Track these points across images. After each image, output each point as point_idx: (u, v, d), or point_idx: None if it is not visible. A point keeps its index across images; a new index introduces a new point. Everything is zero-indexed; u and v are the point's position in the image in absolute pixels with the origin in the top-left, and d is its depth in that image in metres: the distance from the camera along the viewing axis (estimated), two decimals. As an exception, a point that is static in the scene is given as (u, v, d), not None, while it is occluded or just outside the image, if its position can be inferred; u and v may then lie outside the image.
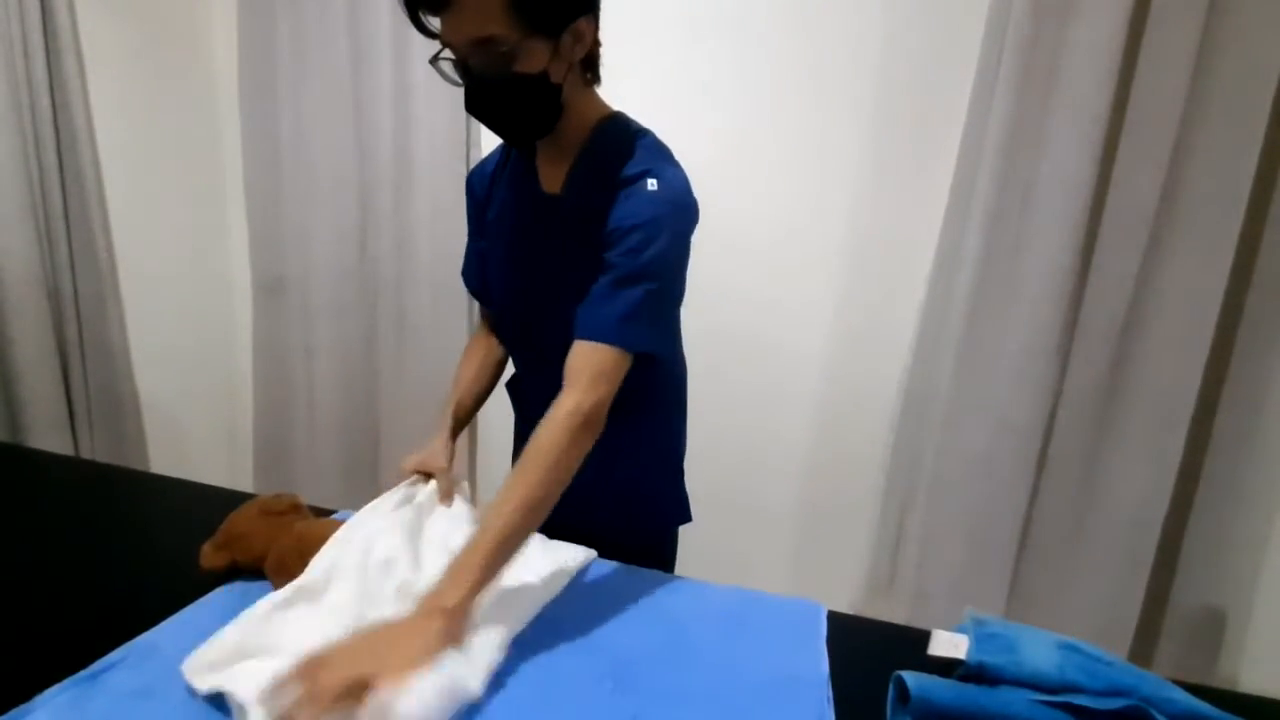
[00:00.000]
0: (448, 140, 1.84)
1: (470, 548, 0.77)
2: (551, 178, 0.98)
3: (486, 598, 0.77)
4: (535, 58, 0.83)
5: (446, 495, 1.04)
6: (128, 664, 0.75)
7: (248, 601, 0.81)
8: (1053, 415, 1.56)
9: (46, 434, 1.63)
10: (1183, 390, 1.46)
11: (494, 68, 0.83)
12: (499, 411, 2.07)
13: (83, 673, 0.72)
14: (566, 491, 0.85)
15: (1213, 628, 1.55)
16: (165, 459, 1.94)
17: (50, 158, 1.59)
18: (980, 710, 0.69)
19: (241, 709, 0.66)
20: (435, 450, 1.10)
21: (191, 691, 0.70)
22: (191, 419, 2.12)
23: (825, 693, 0.78)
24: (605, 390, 0.87)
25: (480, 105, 0.88)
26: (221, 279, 2.15)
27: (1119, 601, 1.56)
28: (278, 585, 0.83)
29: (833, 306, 1.74)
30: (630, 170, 0.91)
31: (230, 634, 0.74)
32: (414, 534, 0.92)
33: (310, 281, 2.01)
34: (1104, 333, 1.49)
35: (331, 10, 1.83)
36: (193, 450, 2.11)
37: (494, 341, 1.17)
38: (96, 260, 1.70)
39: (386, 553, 0.86)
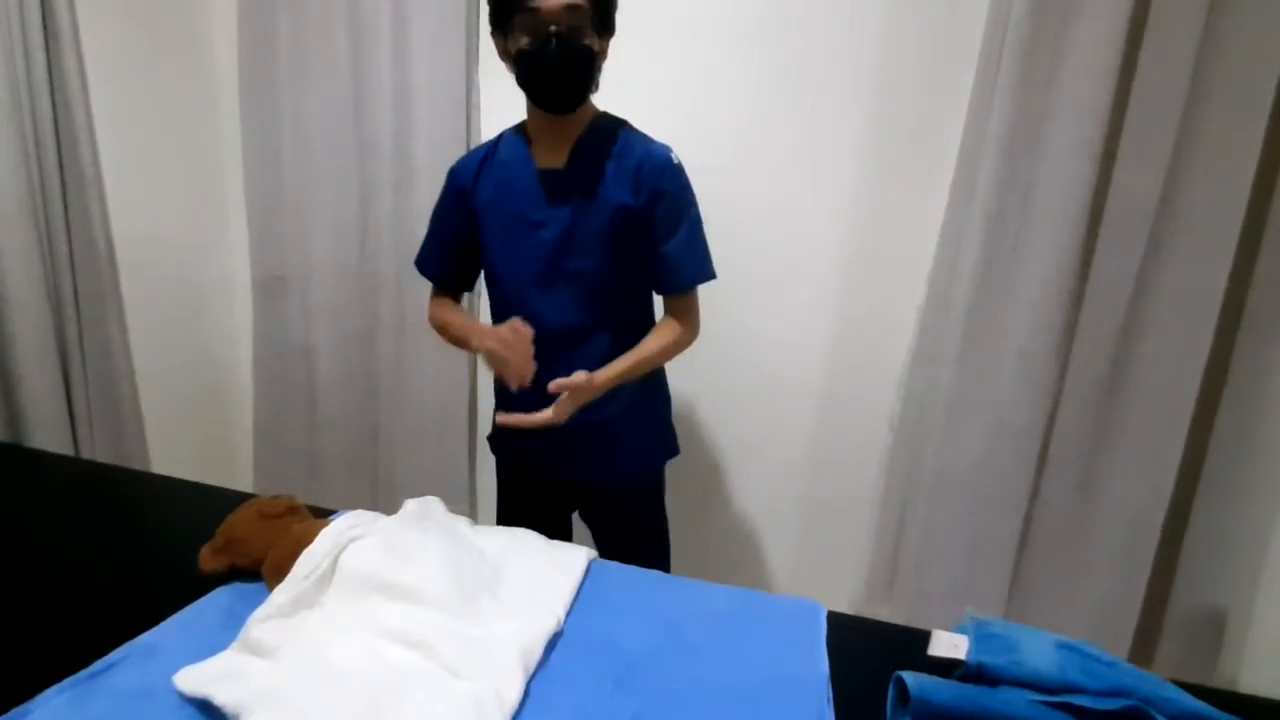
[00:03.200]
0: (448, 140, 1.84)
1: (617, 360, 1.17)
2: (550, 156, 1.19)
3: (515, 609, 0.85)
4: (594, 41, 1.10)
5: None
6: (128, 664, 0.75)
7: (246, 602, 0.81)
8: (1053, 415, 1.55)
9: (46, 434, 1.63)
10: (1183, 390, 1.46)
11: (576, 31, 1.07)
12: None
13: (83, 673, 0.73)
14: (593, 433, 1.21)
15: (1213, 628, 1.55)
16: (165, 459, 1.94)
17: (50, 158, 1.58)
18: (980, 710, 0.69)
19: (236, 715, 0.67)
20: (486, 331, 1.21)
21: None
22: (191, 419, 2.12)
23: (825, 693, 0.78)
24: (698, 318, 1.26)
25: (550, 64, 1.08)
26: (221, 279, 2.15)
27: (1119, 601, 1.56)
28: (274, 587, 0.83)
29: (833, 306, 1.74)
30: (640, 147, 1.18)
31: (225, 656, 0.74)
32: (394, 541, 0.91)
33: (310, 281, 2.01)
34: (1104, 333, 1.49)
35: (331, 10, 1.83)
36: (193, 450, 2.10)
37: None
38: (96, 260, 1.70)
39: (369, 557, 0.86)
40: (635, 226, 1.17)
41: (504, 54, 1.15)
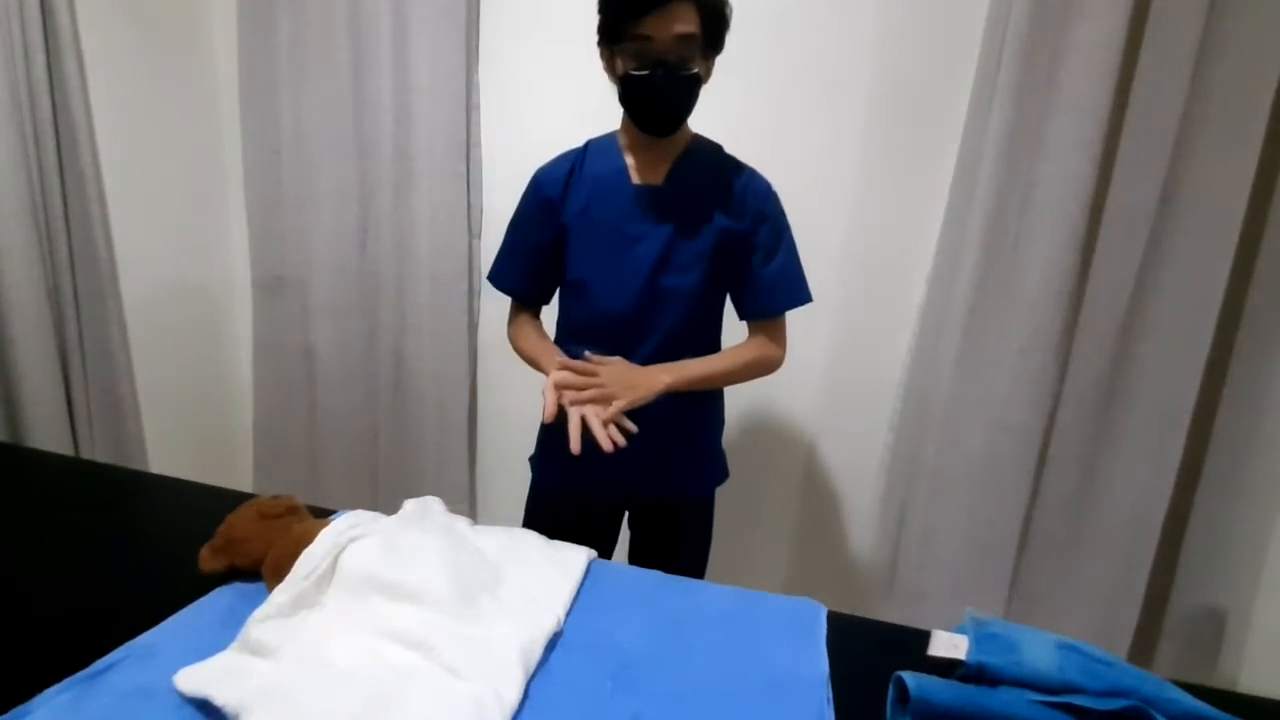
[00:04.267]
0: (448, 140, 1.84)
1: (691, 362, 1.17)
2: (649, 173, 1.19)
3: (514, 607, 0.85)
4: (702, 65, 1.11)
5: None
6: (128, 664, 0.75)
7: (246, 602, 0.81)
8: (1053, 415, 1.56)
9: (46, 434, 1.62)
10: (1183, 390, 1.46)
11: (682, 61, 1.06)
12: (500, 405, 2.07)
13: (83, 673, 0.72)
14: (652, 450, 1.13)
15: (1213, 628, 1.55)
16: (165, 459, 1.94)
17: (50, 158, 1.58)
18: (980, 711, 0.69)
19: (236, 715, 0.67)
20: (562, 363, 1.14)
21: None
22: (191, 419, 2.12)
23: (825, 693, 0.78)
24: (786, 343, 1.28)
25: (656, 92, 1.09)
26: (221, 279, 2.15)
27: (1119, 601, 1.56)
28: (273, 587, 0.83)
29: (833, 306, 1.74)
30: (742, 171, 1.22)
31: (225, 656, 0.74)
32: (394, 541, 0.91)
33: (310, 281, 2.01)
34: (1104, 333, 1.49)
35: (331, 11, 1.83)
36: (193, 450, 2.10)
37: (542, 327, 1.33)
38: (96, 260, 1.70)
39: (369, 557, 0.86)
40: (736, 248, 1.19)
41: (609, 68, 1.14)
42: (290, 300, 2.05)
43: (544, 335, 1.28)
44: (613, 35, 1.08)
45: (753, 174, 1.22)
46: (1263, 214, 1.40)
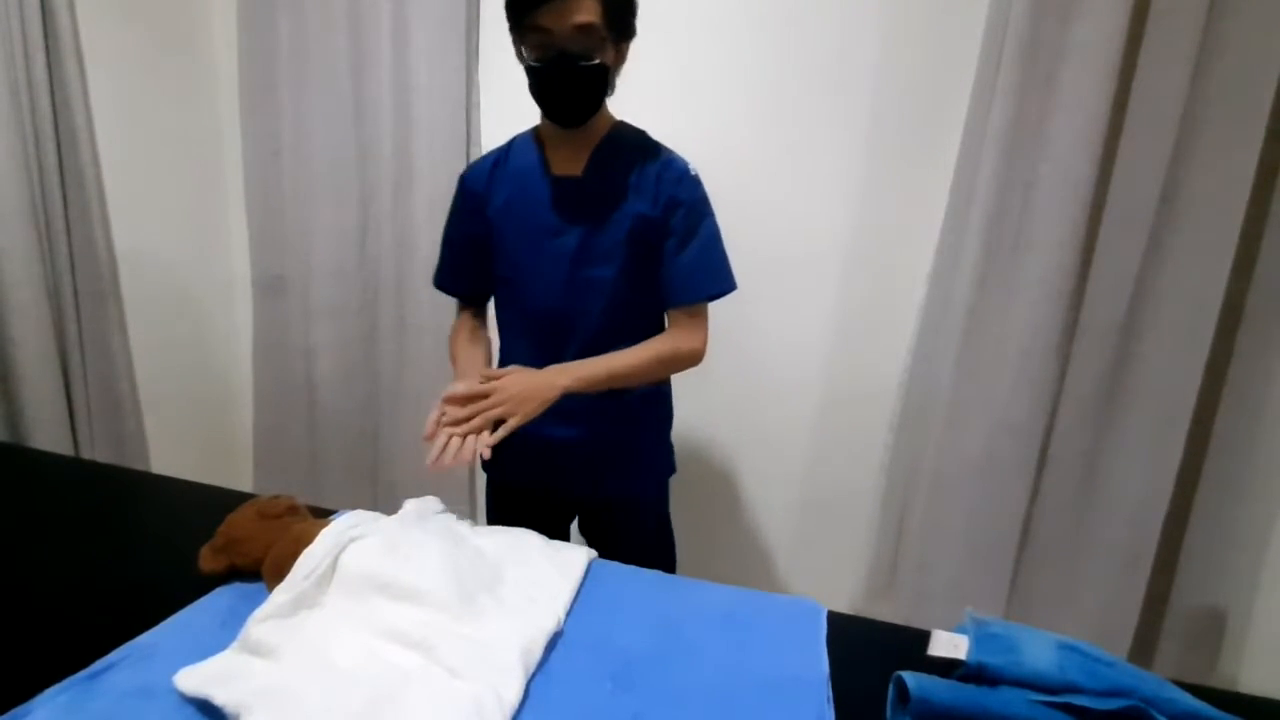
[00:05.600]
0: (448, 140, 1.84)
1: (593, 360, 1.13)
2: (567, 164, 1.17)
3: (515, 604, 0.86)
4: (607, 53, 1.07)
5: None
6: (127, 664, 0.75)
7: (246, 602, 0.81)
8: (1053, 415, 1.55)
9: (46, 434, 1.63)
10: (1183, 390, 1.46)
11: (584, 52, 1.03)
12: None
13: (83, 673, 0.72)
14: (591, 452, 1.22)
15: (1213, 628, 1.55)
16: (165, 459, 1.94)
17: (50, 158, 1.58)
18: (980, 711, 0.69)
19: (236, 715, 0.67)
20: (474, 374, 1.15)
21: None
22: (191, 419, 2.12)
23: (825, 693, 0.78)
24: (706, 336, 1.21)
25: (558, 83, 1.07)
26: (221, 279, 2.15)
27: (1119, 601, 1.56)
28: (273, 588, 0.83)
29: (832, 306, 1.74)
30: (659, 157, 1.17)
31: (225, 656, 0.74)
32: (394, 541, 0.91)
33: (310, 281, 2.01)
34: (1104, 333, 1.49)
35: (331, 10, 1.83)
36: (193, 450, 2.10)
37: (482, 330, 1.32)
38: (96, 260, 1.70)
39: (369, 557, 0.86)
40: (653, 236, 1.16)
41: (519, 57, 1.11)
42: (290, 300, 2.05)
43: (475, 339, 1.27)
44: (515, 25, 1.06)
45: (671, 159, 1.18)
46: (1263, 214, 1.40)
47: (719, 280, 1.19)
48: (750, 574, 1.93)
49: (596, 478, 1.26)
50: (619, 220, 1.14)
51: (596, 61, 1.05)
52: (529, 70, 1.08)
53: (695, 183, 1.17)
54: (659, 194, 1.15)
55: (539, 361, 1.13)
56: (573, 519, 1.39)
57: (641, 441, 1.30)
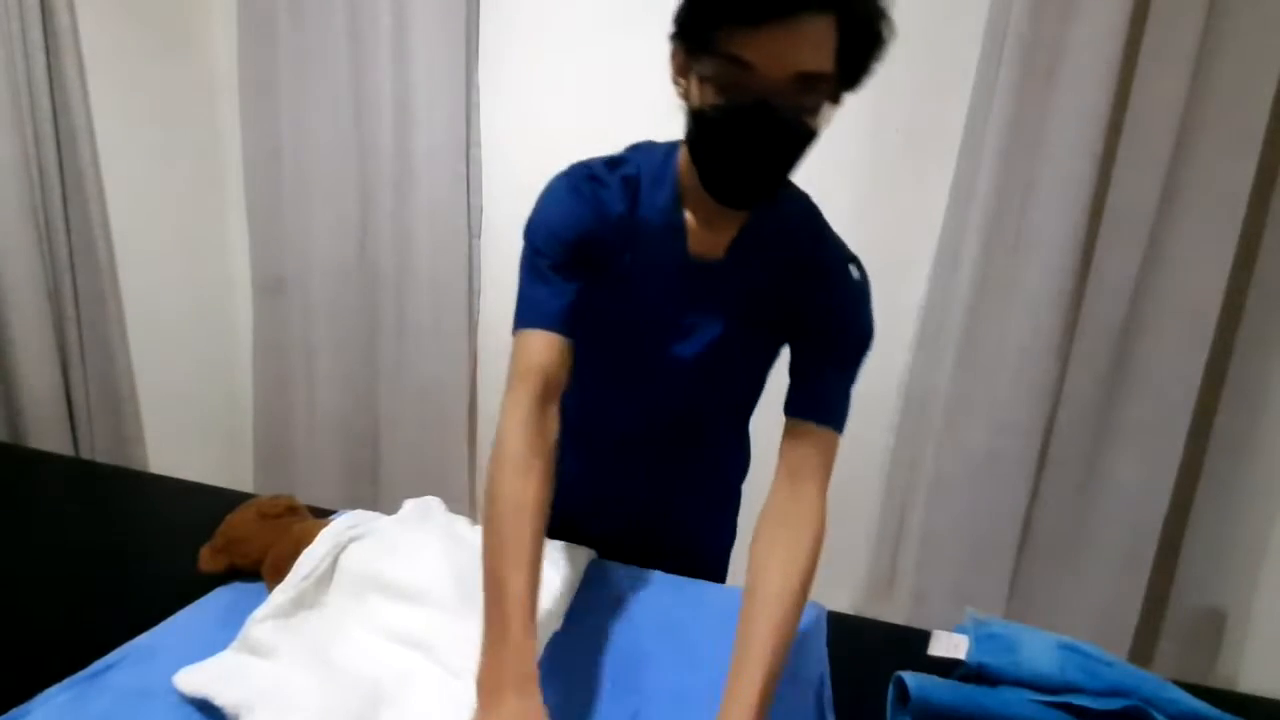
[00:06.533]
0: (448, 140, 1.84)
1: (736, 694, 0.67)
2: (707, 240, 0.83)
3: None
4: (823, 116, 0.72)
5: None
6: (127, 664, 0.75)
7: (246, 602, 0.81)
8: (1053, 415, 1.55)
9: (46, 434, 1.63)
10: (1183, 390, 1.46)
11: (795, 108, 0.68)
12: (500, 405, 2.04)
13: (82, 673, 0.72)
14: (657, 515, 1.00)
15: (1213, 628, 1.55)
16: (165, 459, 1.93)
17: (50, 158, 1.58)
18: (980, 711, 0.69)
19: (235, 715, 0.67)
20: None
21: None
22: (191, 419, 2.12)
23: (825, 693, 0.78)
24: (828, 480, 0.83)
25: (745, 145, 0.69)
26: (221, 279, 2.15)
27: (1119, 601, 1.56)
28: (273, 588, 0.83)
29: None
30: (830, 255, 0.84)
31: (224, 656, 0.74)
32: (394, 541, 0.91)
33: (310, 281, 2.01)
34: (1104, 333, 1.49)
35: (331, 10, 1.83)
36: (193, 450, 2.10)
37: (553, 437, 0.79)
38: (96, 260, 1.70)
39: (369, 557, 0.86)
40: (792, 339, 0.88)
41: (678, 79, 0.76)
42: (290, 300, 2.05)
43: (533, 470, 0.74)
44: (695, 39, 0.69)
45: (835, 252, 0.85)
46: (1263, 214, 1.40)
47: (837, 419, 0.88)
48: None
49: (672, 547, 1.07)
50: (757, 322, 0.86)
51: (808, 124, 0.70)
52: (698, 116, 0.72)
53: (862, 291, 0.85)
54: (814, 298, 0.84)
55: (605, 412, 0.93)
56: None
57: (724, 519, 1.11)
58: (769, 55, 0.64)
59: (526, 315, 0.79)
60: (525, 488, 0.73)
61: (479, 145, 1.88)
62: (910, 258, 1.65)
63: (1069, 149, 1.42)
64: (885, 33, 0.69)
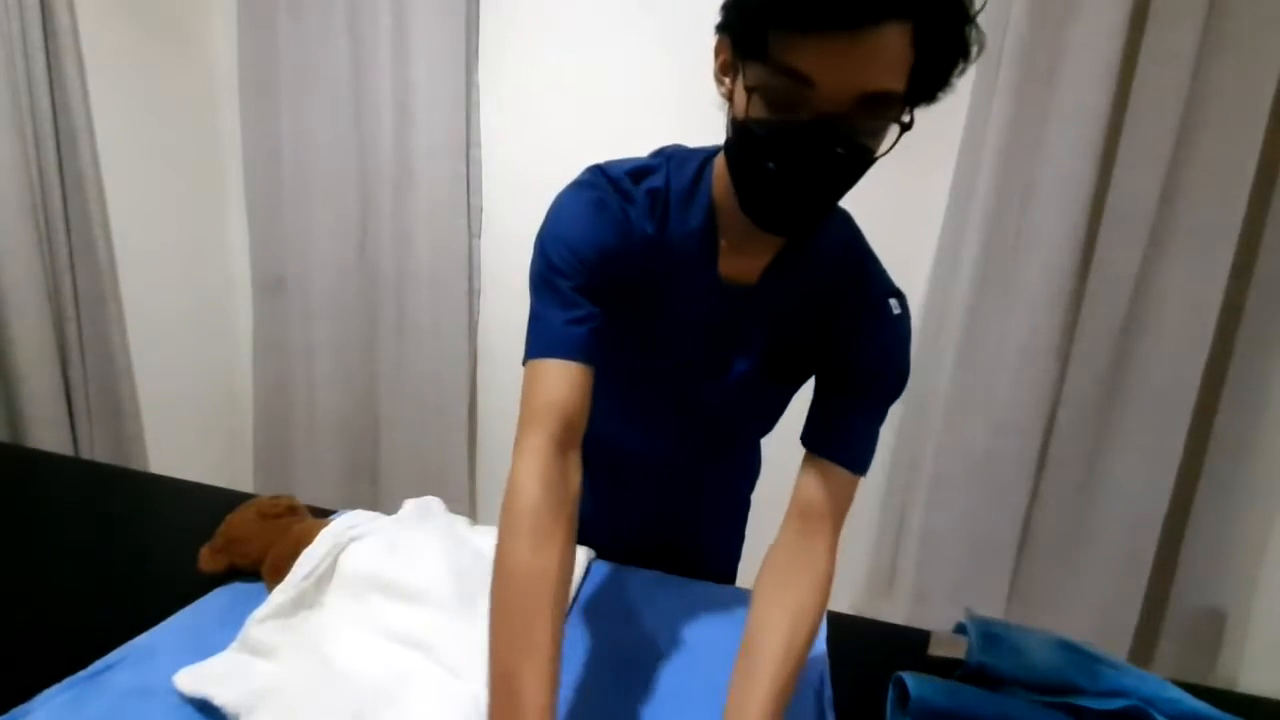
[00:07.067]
0: (448, 140, 1.84)
1: (760, 692, 0.65)
2: (740, 264, 0.76)
3: None
4: (885, 138, 0.61)
5: None
6: (127, 664, 0.75)
7: (246, 602, 0.81)
8: (1053, 415, 1.56)
9: (46, 434, 1.63)
10: (1183, 390, 1.46)
11: (854, 131, 0.58)
12: (500, 405, 2.05)
13: (82, 673, 0.72)
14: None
15: (1213, 628, 1.55)
16: (165, 459, 1.94)
17: (50, 158, 1.58)
18: (980, 711, 0.69)
19: (235, 715, 0.67)
20: None
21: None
22: (191, 419, 2.12)
23: (825, 693, 0.78)
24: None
25: (794, 167, 0.60)
26: (221, 279, 2.15)
27: (1119, 601, 1.56)
28: (273, 588, 0.83)
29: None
30: (871, 287, 0.79)
31: (224, 656, 0.74)
32: (394, 541, 0.91)
33: (310, 281, 2.01)
34: (1104, 333, 1.49)
35: (331, 10, 1.83)
36: (193, 450, 2.10)
37: (576, 498, 0.69)
38: (96, 260, 1.70)
39: (368, 559, 0.86)
40: (823, 370, 0.83)
41: (722, 80, 0.66)
42: (290, 300, 2.05)
43: (552, 543, 0.64)
44: (744, 41, 0.59)
45: (880, 285, 0.79)
46: (1263, 214, 1.40)
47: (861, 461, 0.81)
48: (750, 574, 1.93)
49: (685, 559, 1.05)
50: (788, 351, 0.82)
51: (869, 148, 0.60)
52: (742, 130, 0.62)
53: (902, 329, 0.78)
54: (850, 333, 0.78)
55: (621, 442, 0.89)
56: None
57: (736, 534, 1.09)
58: (832, 71, 0.54)
59: (541, 342, 0.69)
60: (543, 560, 0.62)
61: (479, 145, 1.88)
62: (910, 258, 1.65)
63: (1069, 149, 1.42)
64: (972, 42, 0.57)
